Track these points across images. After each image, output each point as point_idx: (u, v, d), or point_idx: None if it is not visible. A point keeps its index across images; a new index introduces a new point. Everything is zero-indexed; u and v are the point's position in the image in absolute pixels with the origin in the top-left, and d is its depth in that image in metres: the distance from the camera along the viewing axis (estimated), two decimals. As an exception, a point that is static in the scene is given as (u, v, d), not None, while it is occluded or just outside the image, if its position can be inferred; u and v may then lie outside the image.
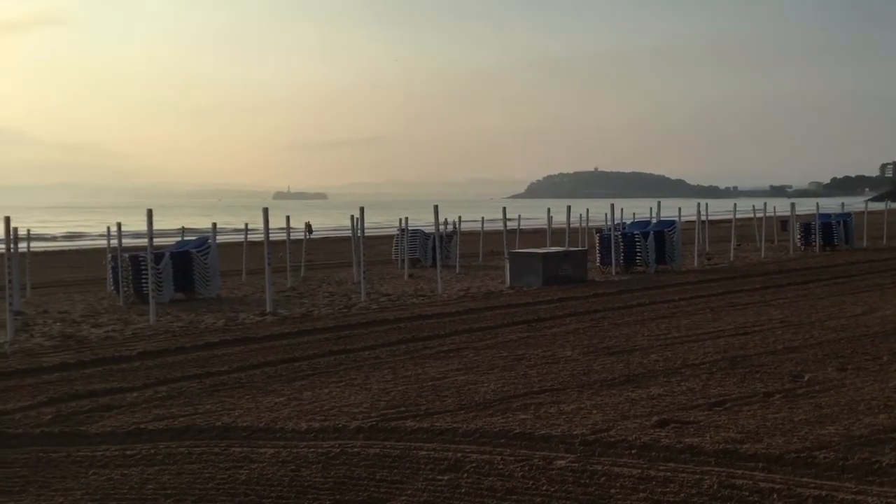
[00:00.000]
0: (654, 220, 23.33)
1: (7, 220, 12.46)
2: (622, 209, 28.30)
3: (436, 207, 19.17)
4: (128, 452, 5.87)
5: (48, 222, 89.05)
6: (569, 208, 23.00)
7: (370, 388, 7.77)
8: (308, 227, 28.57)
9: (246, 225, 24.82)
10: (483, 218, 31.30)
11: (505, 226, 22.86)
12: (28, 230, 22.11)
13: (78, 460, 5.74)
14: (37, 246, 31.82)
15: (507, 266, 18.34)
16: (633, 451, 5.54)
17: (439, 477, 5.20)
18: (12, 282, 12.06)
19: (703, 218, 25.11)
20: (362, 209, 17.45)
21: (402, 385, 7.88)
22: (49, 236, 57.90)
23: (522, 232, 29.02)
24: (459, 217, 27.95)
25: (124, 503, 4.95)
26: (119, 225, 18.22)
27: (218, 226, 20.79)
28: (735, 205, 28.91)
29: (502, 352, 9.63)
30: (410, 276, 20.54)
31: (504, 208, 22.89)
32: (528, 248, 21.00)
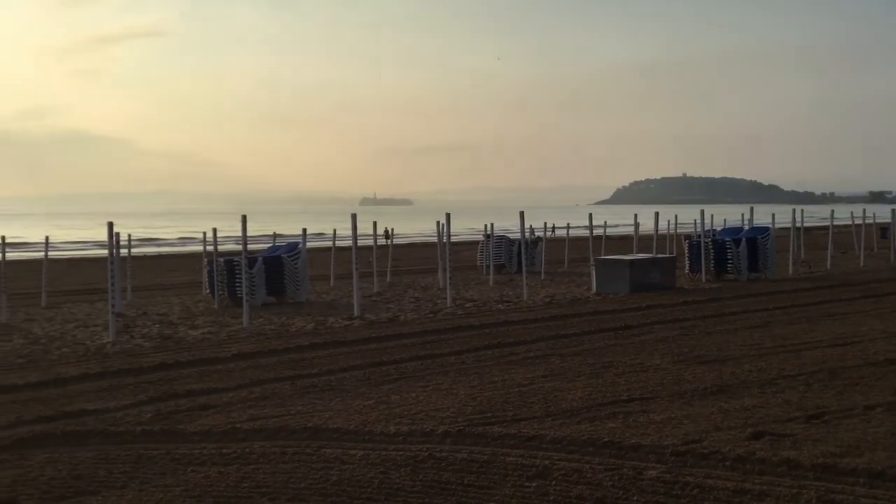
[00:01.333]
0: (746, 227, 22.71)
1: (110, 225, 13.02)
2: (712, 215, 27.65)
3: (521, 214, 19.13)
4: (224, 451, 6.05)
5: (148, 228, 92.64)
6: (657, 214, 22.61)
7: (457, 393, 7.81)
8: (386, 233, 28.87)
9: (334, 231, 25.26)
10: (568, 224, 31.08)
11: (591, 232, 22.63)
12: (129, 235, 23.02)
13: (177, 458, 5.96)
14: (137, 251, 33.10)
15: (594, 273, 18.15)
16: (727, 464, 5.41)
17: (527, 483, 5.19)
18: (115, 285, 12.58)
19: (798, 224, 24.30)
20: (448, 215, 17.54)
21: (489, 391, 7.90)
22: (148, 241, 60.14)
23: (608, 238, 28.68)
24: (554, 225, 27.78)
25: (222, 500, 5.11)
26: (214, 231, 18.80)
27: (303, 231, 21.19)
28: (832, 211, 27.87)
29: (589, 359, 9.54)
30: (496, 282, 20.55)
31: (590, 214, 22.66)
32: (614, 254, 20.74)
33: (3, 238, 19.57)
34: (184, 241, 63.12)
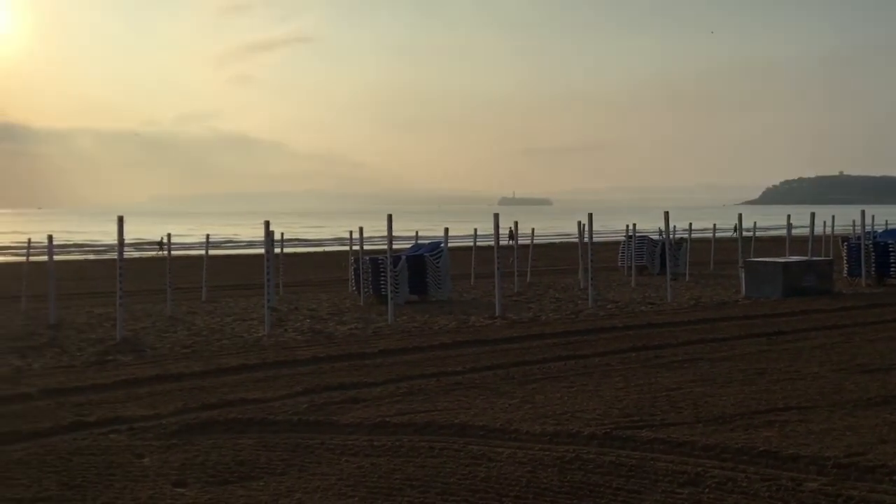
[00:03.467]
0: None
1: (266, 224, 13.69)
2: (873, 216, 26.05)
3: (666, 214, 18.68)
4: (375, 443, 6.25)
5: (298, 226, 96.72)
6: (812, 215, 21.52)
7: (602, 395, 7.72)
8: (510, 233, 28.78)
9: (475, 231, 25.50)
10: (714, 225, 30.08)
11: (740, 233, 21.80)
12: (282, 233, 24.07)
13: (331, 448, 6.20)
14: (288, 249, 34.56)
15: (743, 275, 17.48)
16: (894, 478, 5.10)
17: (679, 490, 5.08)
18: (270, 281, 13.21)
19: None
20: (590, 215, 17.35)
21: (635, 394, 7.77)
22: (297, 240, 62.65)
23: (758, 240, 27.53)
24: (717, 226, 26.99)
25: (374, 490, 5.27)
26: (361, 230, 19.40)
27: (445, 231, 21.48)
28: None
29: (741, 364, 9.21)
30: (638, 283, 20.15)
31: (740, 215, 21.84)
32: (764, 257, 19.89)
33: (169, 235, 20.92)
34: (329, 240, 65.32)
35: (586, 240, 17.59)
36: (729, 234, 39.62)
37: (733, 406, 7.17)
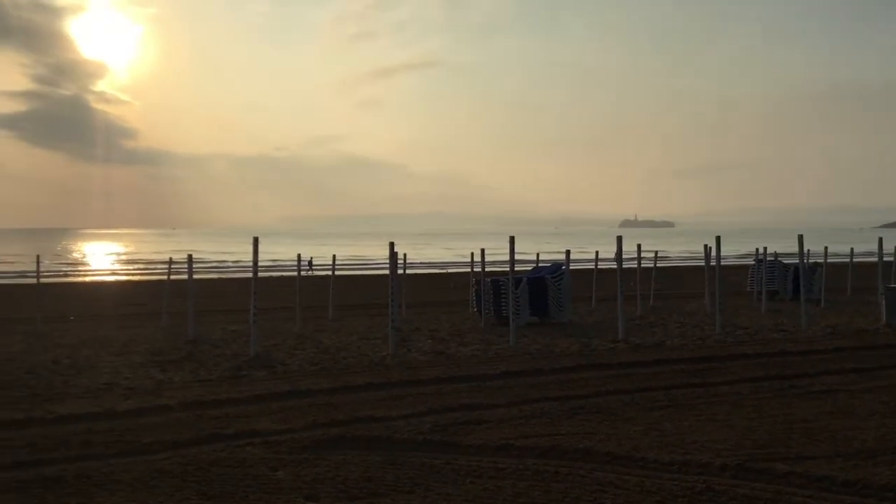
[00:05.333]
0: None
1: (391, 245, 13.98)
2: None
3: (800, 237, 17.91)
4: (499, 465, 6.26)
5: (419, 247, 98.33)
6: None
7: (733, 425, 7.47)
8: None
9: (597, 253, 25.20)
10: (852, 249, 28.61)
11: (881, 258, 20.64)
12: (405, 255, 24.51)
13: (456, 468, 6.25)
14: (411, 270, 35.09)
15: (884, 302, 16.51)
16: None
17: (818, 527, 4.85)
18: (394, 301, 13.46)
19: None
20: (718, 238, 16.85)
21: (769, 424, 7.47)
22: (418, 262, 63.57)
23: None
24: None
25: (500, 513, 5.29)
26: (482, 251, 19.53)
27: (566, 253, 21.32)
28: None
29: (883, 396, 8.71)
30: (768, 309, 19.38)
31: (880, 238, 20.68)
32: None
33: (299, 256, 21.68)
34: (443, 262, 65.92)
35: (713, 263, 17.07)
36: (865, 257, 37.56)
37: (875, 440, 6.80)
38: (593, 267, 25.12)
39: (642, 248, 23.33)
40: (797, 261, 18.71)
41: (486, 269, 18.88)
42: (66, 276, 55.59)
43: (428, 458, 6.54)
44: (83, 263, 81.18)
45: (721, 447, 6.64)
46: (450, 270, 52.07)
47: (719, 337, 14.32)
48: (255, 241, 13.21)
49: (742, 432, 7.17)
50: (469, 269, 23.95)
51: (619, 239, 15.14)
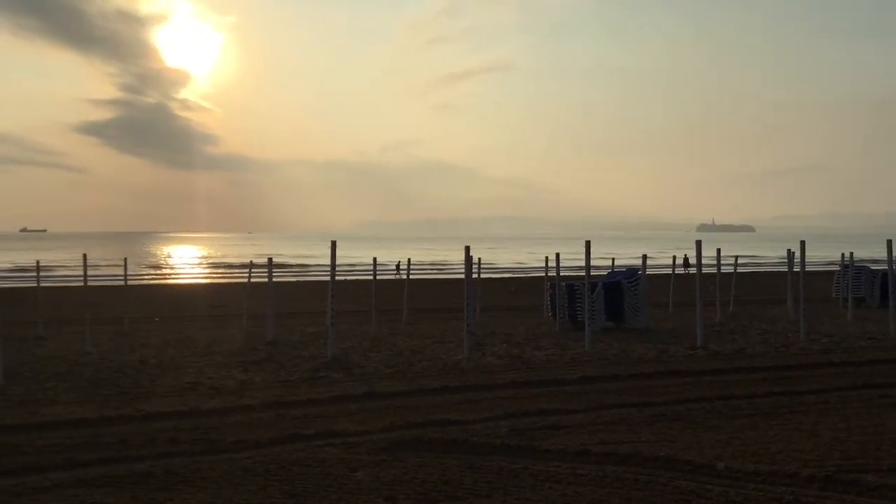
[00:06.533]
0: None
1: (467, 249, 14.02)
2: None
3: (889, 242, 17.27)
4: (578, 471, 6.21)
5: (492, 251, 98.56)
6: None
7: (820, 435, 7.25)
8: (686, 261, 27.50)
9: (674, 258, 24.77)
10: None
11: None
12: (479, 259, 24.55)
13: (534, 473, 6.22)
14: (485, 274, 35.13)
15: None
16: None
17: (913, 543, 4.67)
18: (469, 305, 13.49)
19: None
20: (803, 243, 16.37)
21: (858, 435, 7.23)
22: (492, 267, 63.55)
23: None
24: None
25: (580, 519, 5.25)
26: (557, 255, 19.41)
27: (643, 257, 21.02)
28: None
29: (982, 409, 8.33)
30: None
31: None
32: None
33: (375, 259, 21.92)
34: (518, 267, 65.71)
35: (797, 269, 16.59)
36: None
37: (974, 454, 6.50)
38: (670, 272, 24.69)
39: (721, 254, 22.82)
40: (885, 267, 18.04)
41: (560, 274, 18.75)
42: (152, 278, 57.41)
43: (506, 462, 6.54)
44: (167, 266, 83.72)
45: (808, 458, 6.45)
46: (518, 275, 51.88)
47: (804, 344, 13.91)
48: (333, 245, 13.41)
49: (829, 443, 6.95)
50: (543, 274, 23.84)
51: (699, 244, 14.85)
